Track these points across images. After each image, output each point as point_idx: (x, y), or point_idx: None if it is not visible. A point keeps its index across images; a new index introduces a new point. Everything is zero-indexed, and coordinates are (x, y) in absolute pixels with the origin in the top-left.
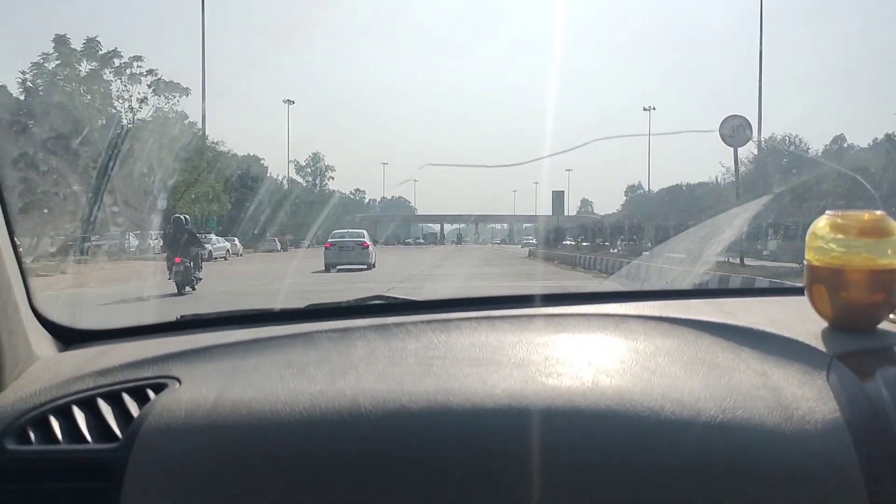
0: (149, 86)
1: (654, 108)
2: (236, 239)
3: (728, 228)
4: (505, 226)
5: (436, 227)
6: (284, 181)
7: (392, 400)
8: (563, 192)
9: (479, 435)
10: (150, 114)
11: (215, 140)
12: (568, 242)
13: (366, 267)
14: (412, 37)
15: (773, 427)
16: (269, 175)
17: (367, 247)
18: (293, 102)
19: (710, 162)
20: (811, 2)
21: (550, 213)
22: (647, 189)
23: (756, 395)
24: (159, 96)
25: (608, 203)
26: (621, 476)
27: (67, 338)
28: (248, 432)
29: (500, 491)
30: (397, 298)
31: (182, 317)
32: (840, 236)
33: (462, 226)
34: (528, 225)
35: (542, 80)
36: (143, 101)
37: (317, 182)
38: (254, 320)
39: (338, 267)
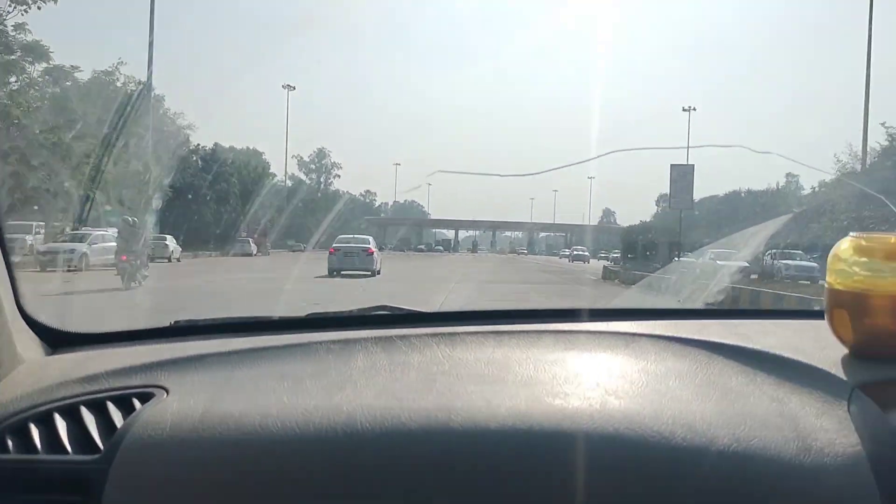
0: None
1: (694, 109)
2: (168, 239)
3: (745, 248)
4: (519, 234)
5: (449, 234)
6: (288, 179)
7: (391, 417)
8: (690, 167)
9: (481, 456)
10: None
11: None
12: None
13: (370, 274)
14: (429, 38)
15: (790, 459)
16: (257, 167)
17: (372, 253)
18: (293, 88)
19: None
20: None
21: (587, 223)
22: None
23: (772, 424)
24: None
25: (631, 213)
26: (629, 502)
27: (55, 341)
28: (236, 448)
29: None
30: (402, 309)
31: (175, 322)
32: (864, 259)
33: (477, 233)
34: (546, 234)
35: (564, 85)
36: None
37: (322, 180)
38: (250, 328)
39: (342, 273)
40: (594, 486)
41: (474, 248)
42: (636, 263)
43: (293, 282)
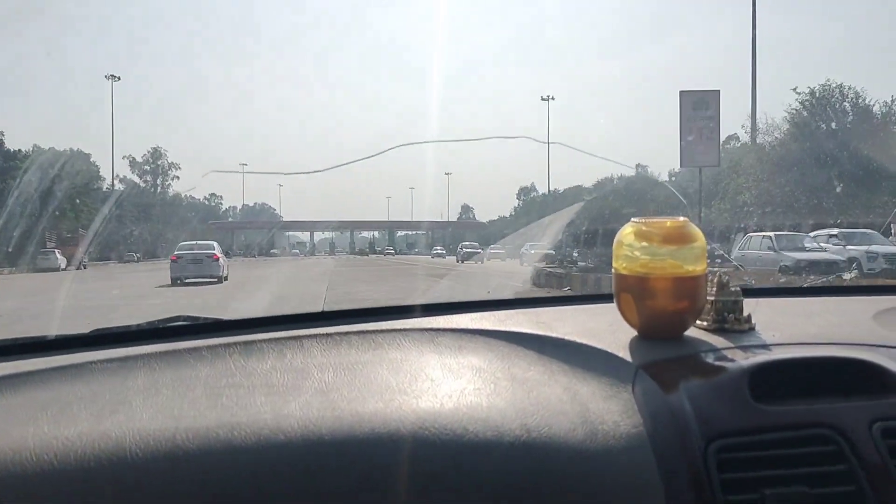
0: None
1: (552, 98)
2: None
3: (543, 236)
4: (376, 234)
5: (305, 237)
6: (119, 182)
7: (164, 440)
8: (714, 94)
9: (267, 472)
10: None
11: None
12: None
13: (216, 280)
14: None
15: (577, 444)
16: (80, 170)
17: (218, 259)
18: (118, 78)
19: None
20: None
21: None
22: (546, 190)
23: (562, 411)
24: None
25: (490, 208)
26: (424, 502)
27: None
28: None
29: None
30: (199, 318)
31: None
32: (645, 244)
33: (333, 234)
34: (404, 233)
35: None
36: None
37: (158, 182)
38: (20, 351)
39: (186, 280)
40: (388, 491)
41: (332, 249)
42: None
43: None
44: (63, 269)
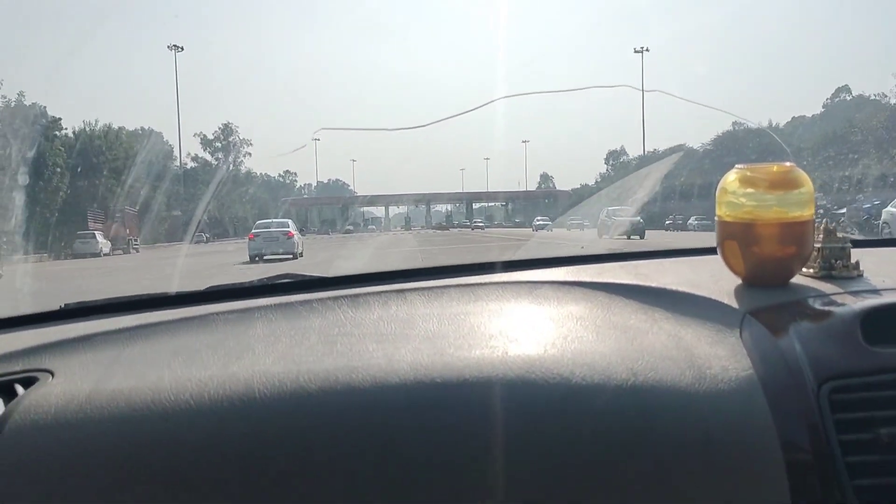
0: None
1: (647, 50)
2: None
3: (640, 189)
4: (449, 207)
5: (379, 212)
6: (191, 160)
7: (289, 381)
8: None
9: (384, 412)
10: None
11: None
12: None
13: (292, 257)
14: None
15: (685, 388)
16: (152, 148)
17: (292, 236)
18: (181, 49)
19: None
20: None
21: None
22: (642, 151)
23: (668, 356)
24: None
25: (571, 177)
26: (533, 444)
27: None
28: (125, 425)
29: (406, 468)
30: (305, 276)
31: (66, 305)
32: (750, 190)
33: (408, 208)
34: (481, 205)
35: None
36: None
37: (230, 160)
38: (146, 306)
39: (264, 257)
40: (498, 432)
41: (407, 224)
42: None
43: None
44: (105, 254)
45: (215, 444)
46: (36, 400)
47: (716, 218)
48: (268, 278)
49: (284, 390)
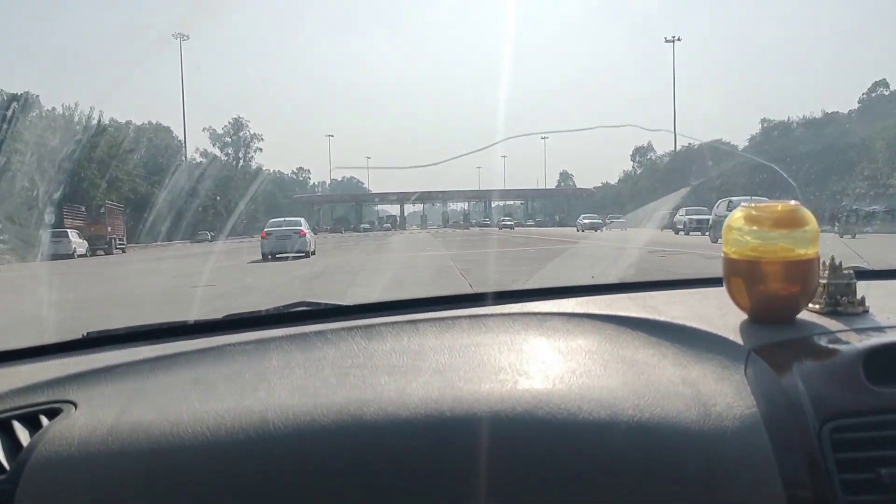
0: None
1: (678, 39)
2: None
3: (648, 221)
4: (466, 206)
5: (394, 210)
6: (199, 155)
7: (303, 414)
8: None
9: (394, 446)
10: None
11: None
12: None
13: (304, 255)
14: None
15: (690, 425)
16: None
17: (304, 234)
18: (186, 37)
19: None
20: None
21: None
22: (670, 149)
23: (674, 392)
24: None
25: (591, 176)
26: (539, 480)
27: None
28: (145, 458)
29: (414, 501)
30: (320, 304)
31: (88, 334)
32: (755, 228)
33: (423, 206)
34: (499, 203)
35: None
36: None
37: (240, 155)
38: (165, 335)
39: (277, 256)
40: (505, 467)
41: (423, 222)
42: None
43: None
44: (81, 255)
45: (232, 476)
46: (60, 431)
47: (721, 255)
48: (283, 306)
49: (299, 423)
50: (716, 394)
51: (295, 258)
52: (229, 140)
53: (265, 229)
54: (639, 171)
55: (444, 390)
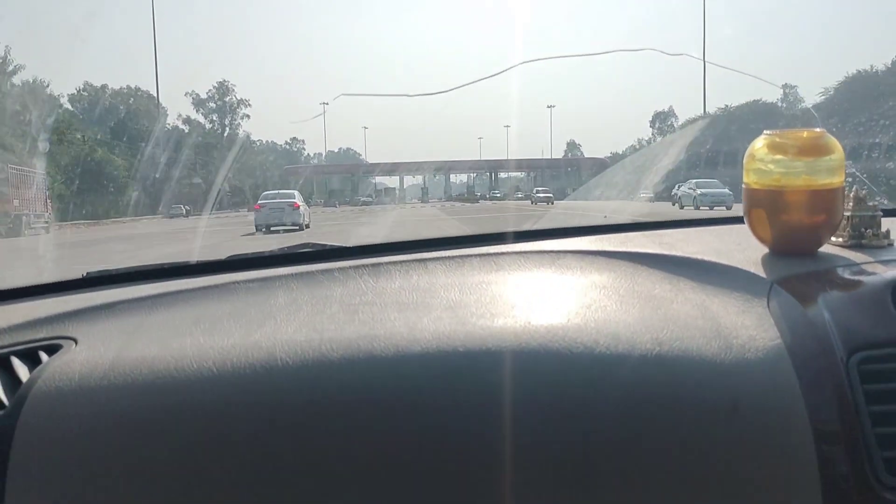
0: None
1: None
2: None
3: (664, 157)
4: (466, 178)
5: (393, 182)
6: (182, 123)
7: (311, 349)
8: None
9: (406, 380)
10: None
11: None
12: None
13: (298, 228)
14: None
15: (711, 357)
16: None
17: (298, 207)
18: None
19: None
20: None
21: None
22: (699, 112)
23: (694, 326)
24: None
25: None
26: (556, 413)
27: None
28: (149, 392)
29: (427, 437)
30: (325, 245)
31: (87, 273)
32: (779, 157)
33: (424, 178)
34: (515, 174)
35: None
36: None
37: (225, 123)
38: (167, 274)
39: (271, 228)
40: (521, 401)
41: (424, 195)
42: None
43: None
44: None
45: (238, 411)
46: (60, 367)
47: (743, 185)
48: (288, 247)
49: (307, 358)
50: (737, 326)
51: (287, 231)
52: (214, 106)
53: (259, 201)
54: (658, 139)
55: (456, 326)
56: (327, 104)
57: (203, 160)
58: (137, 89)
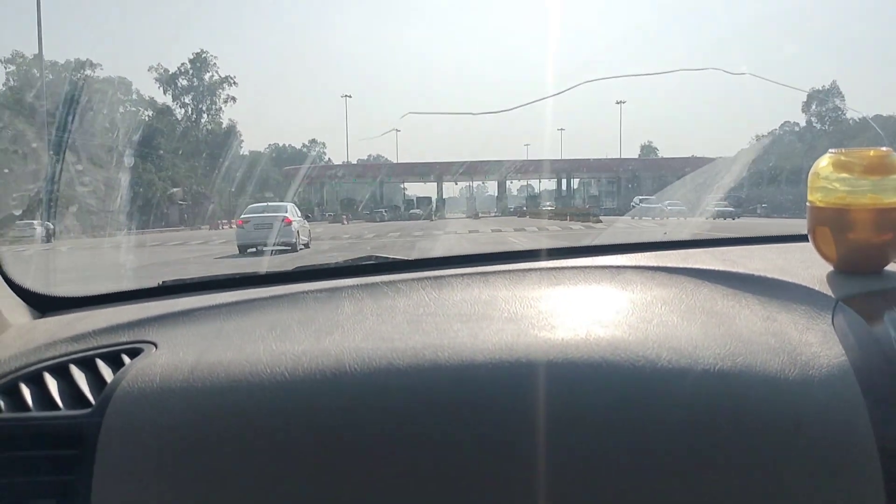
0: None
1: None
2: None
3: (727, 174)
4: (493, 183)
5: (428, 189)
6: (146, 108)
7: (378, 357)
8: None
9: (469, 390)
10: None
11: None
12: None
13: (290, 249)
14: None
15: (776, 373)
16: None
17: (290, 223)
18: None
19: None
20: None
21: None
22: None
23: (758, 342)
24: None
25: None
26: (617, 426)
27: (42, 305)
28: (226, 395)
29: (491, 446)
30: (388, 258)
31: (164, 282)
32: (844, 175)
33: (464, 185)
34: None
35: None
36: None
37: (202, 108)
38: (238, 284)
39: (257, 249)
40: (581, 413)
41: (471, 208)
42: None
43: None
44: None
45: (309, 415)
46: (142, 369)
47: (807, 203)
48: (352, 259)
49: (374, 366)
50: (801, 343)
51: (280, 253)
52: (186, 84)
53: (242, 215)
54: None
55: (518, 337)
56: (399, 131)
57: (172, 161)
58: (89, 62)
